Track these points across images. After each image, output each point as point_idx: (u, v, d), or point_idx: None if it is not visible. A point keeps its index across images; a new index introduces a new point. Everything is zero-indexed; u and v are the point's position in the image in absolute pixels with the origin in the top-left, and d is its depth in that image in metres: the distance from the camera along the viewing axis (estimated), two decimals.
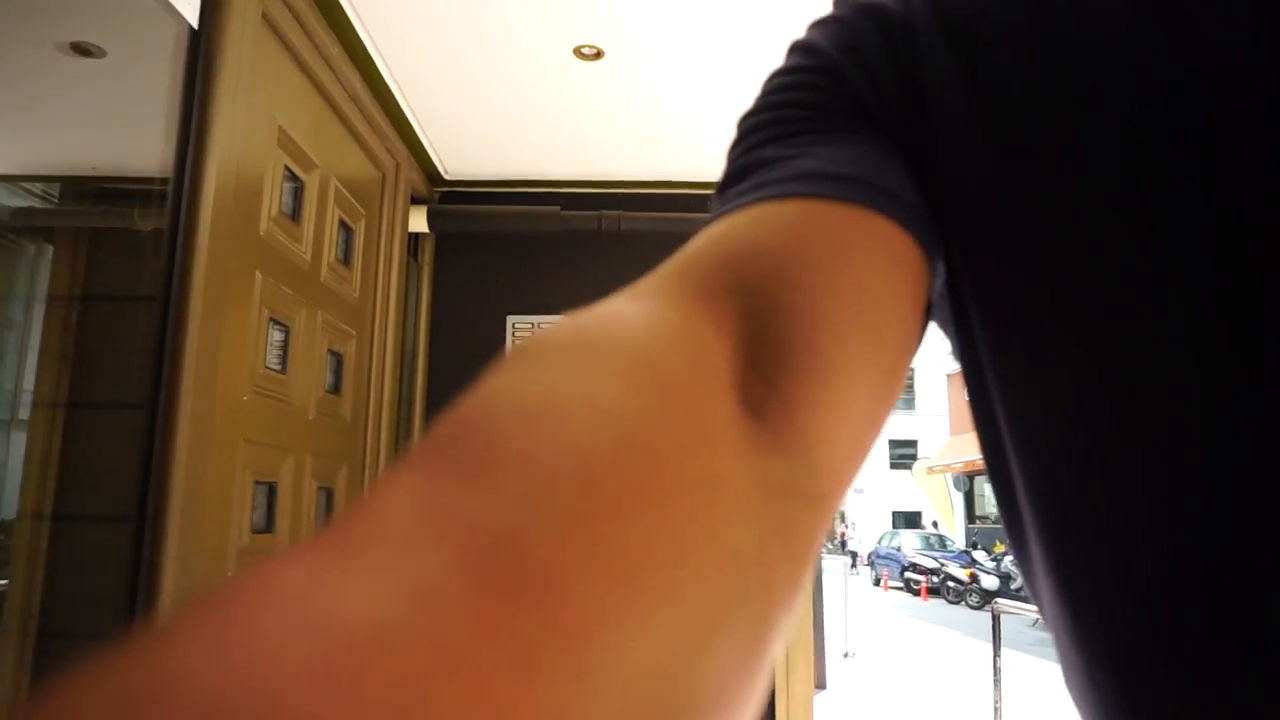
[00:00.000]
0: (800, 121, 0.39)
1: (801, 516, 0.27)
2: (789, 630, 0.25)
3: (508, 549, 0.15)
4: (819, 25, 0.44)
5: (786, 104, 0.40)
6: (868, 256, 0.34)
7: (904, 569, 18.22)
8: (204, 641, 0.11)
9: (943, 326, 0.44)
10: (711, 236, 0.35)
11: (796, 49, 0.43)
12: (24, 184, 1.23)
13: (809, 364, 0.30)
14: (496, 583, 0.14)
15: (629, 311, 0.28)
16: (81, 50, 1.27)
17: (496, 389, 0.22)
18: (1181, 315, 0.33)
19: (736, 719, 0.20)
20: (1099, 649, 0.36)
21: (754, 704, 0.21)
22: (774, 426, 0.28)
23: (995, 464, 0.42)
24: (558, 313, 2.94)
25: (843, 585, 9.33)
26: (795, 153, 0.37)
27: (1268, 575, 0.31)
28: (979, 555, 16.37)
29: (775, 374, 0.29)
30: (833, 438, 0.30)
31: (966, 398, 0.43)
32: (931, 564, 16.65)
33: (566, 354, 0.24)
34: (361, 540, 0.15)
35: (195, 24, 1.47)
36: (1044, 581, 0.39)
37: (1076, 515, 0.37)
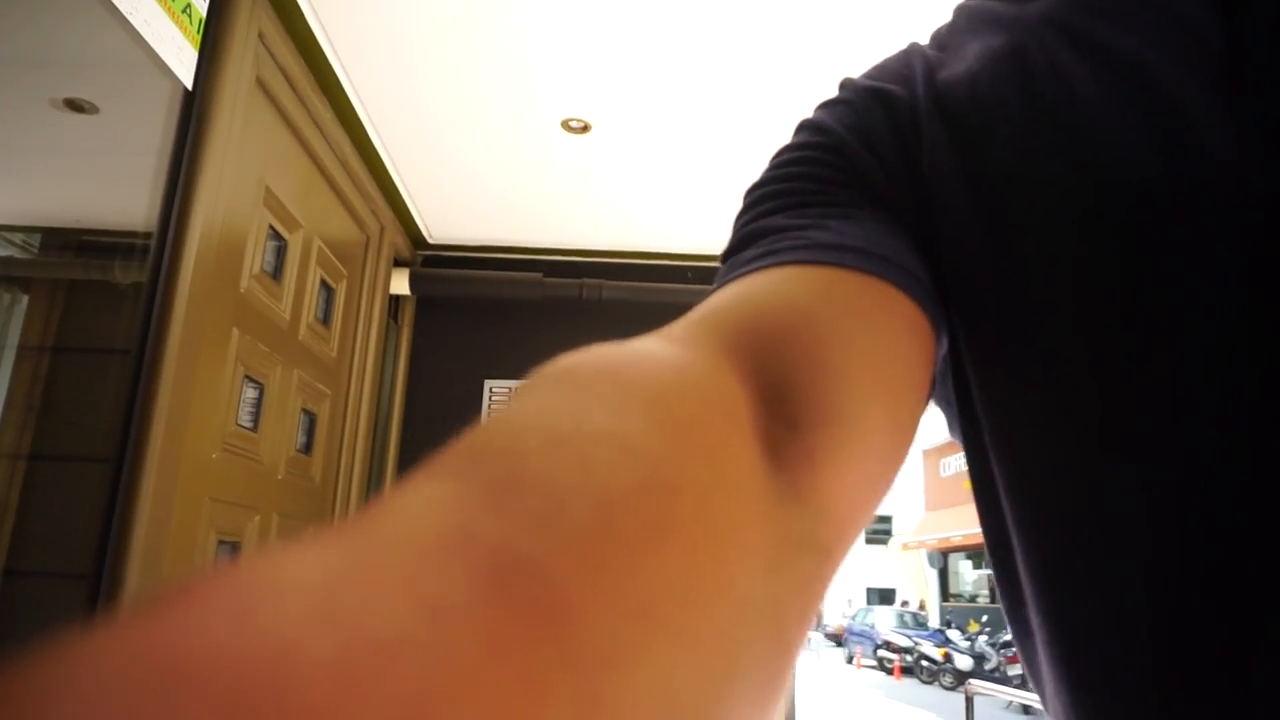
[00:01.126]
0: (809, 194, 0.40)
1: (812, 568, 0.27)
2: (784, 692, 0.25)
3: (527, 575, 0.15)
4: (828, 106, 0.45)
5: (796, 177, 0.42)
6: (885, 323, 0.35)
7: (877, 647, 17.94)
8: (230, 622, 0.11)
9: (939, 401, 0.46)
10: (733, 294, 0.36)
11: (805, 127, 0.45)
12: (4, 234, 1.23)
13: (829, 418, 0.30)
14: (514, 607, 0.14)
15: (658, 351, 0.29)
16: (75, 106, 1.29)
17: (525, 412, 0.22)
18: (1186, 401, 0.34)
19: None
20: None
21: None
22: (793, 476, 0.28)
23: (996, 539, 0.42)
24: None
25: (815, 663, 9.16)
26: (807, 223, 0.38)
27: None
28: (953, 634, 16.17)
29: (796, 425, 0.30)
30: (847, 492, 0.31)
31: (968, 471, 0.44)
32: (905, 642, 16.42)
33: (596, 385, 0.24)
34: (382, 546, 0.15)
35: (189, 85, 1.50)
36: (1046, 663, 0.39)
37: (1081, 593, 0.37)
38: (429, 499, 0.17)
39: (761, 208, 0.41)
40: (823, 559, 0.28)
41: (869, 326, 0.34)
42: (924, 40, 0.48)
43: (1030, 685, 0.43)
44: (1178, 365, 0.34)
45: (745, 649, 0.20)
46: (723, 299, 0.35)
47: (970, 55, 0.43)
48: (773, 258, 0.36)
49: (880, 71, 0.45)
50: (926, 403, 0.39)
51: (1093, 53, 0.38)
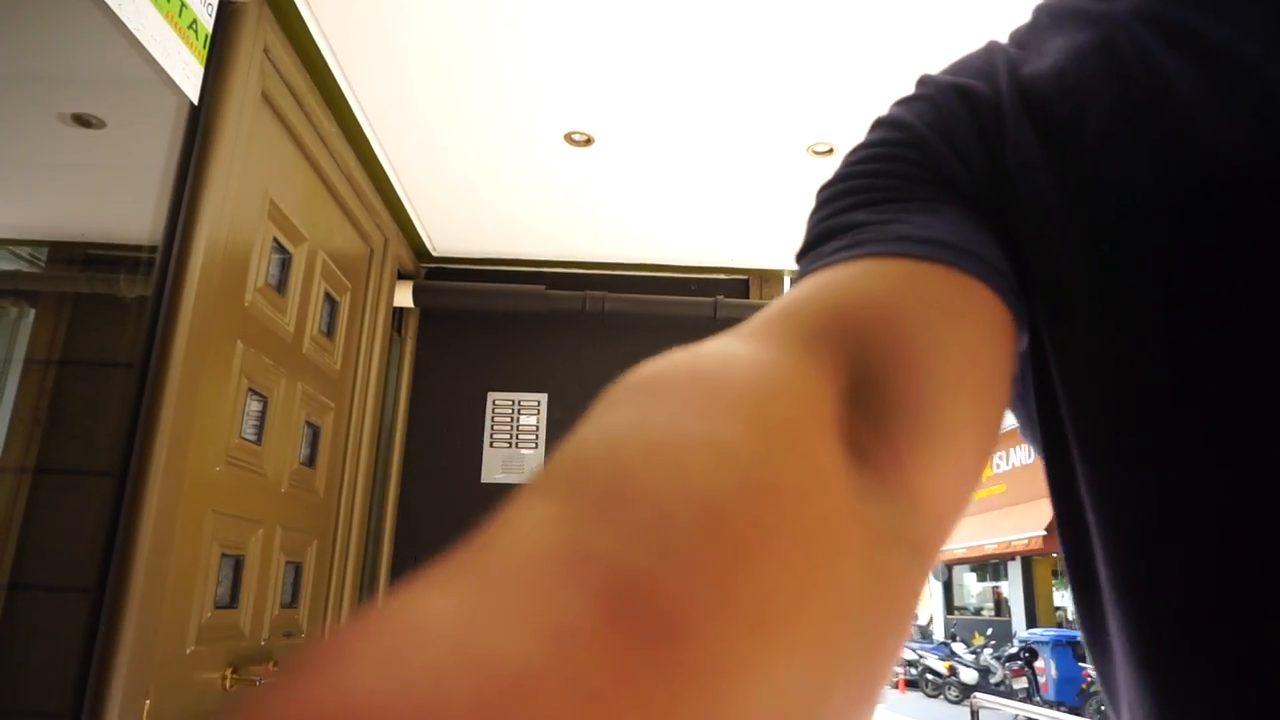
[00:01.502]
0: (890, 190, 0.40)
1: (906, 564, 0.27)
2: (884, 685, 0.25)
3: (641, 592, 0.16)
4: (906, 102, 0.45)
5: (875, 174, 0.41)
6: (972, 318, 0.35)
7: None
8: (379, 671, 0.13)
9: (1013, 401, 0.44)
10: (815, 286, 0.35)
11: (882, 124, 0.44)
12: (12, 247, 1.23)
13: (916, 414, 0.30)
14: (631, 626, 0.15)
15: (740, 353, 0.29)
16: (82, 121, 1.30)
17: (619, 423, 0.22)
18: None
19: None
20: None
21: None
22: (880, 473, 0.28)
23: (1073, 538, 0.41)
24: (539, 390, 2.94)
25: None
26: (888, 218, 0.38)
27: None
28: (958, 647, 16.08)
29: (883, 422, 0.30)
30: (936, 488, 0.30)
31: (1047, 479, 0.43)
32: (910, 655, 16.33)
33: (684, 392, 0.25)
34: (501, 574, 0.16)
35: (195, 100, 1.51)
36: (1124, 669, 0.38)
37: (1164, 589, 0.35)
38: (539, 520, 0.18)
39: (840, 203, 0.41)
40: (915, 556, 0.28)
41: (953, 321, 0.34)
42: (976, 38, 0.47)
43: (1108, 708, 0.41)
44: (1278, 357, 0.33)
45: (848, 650, 0.21)
46: (803, 291, 0.35)
47: (1054, 51, 0.42)
48: (854, 250, 0.36)
49: (961, 67, 0.45)
50: (1009, 397, 0.38)
51: (1188, 45, 0.37)
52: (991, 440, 0.34)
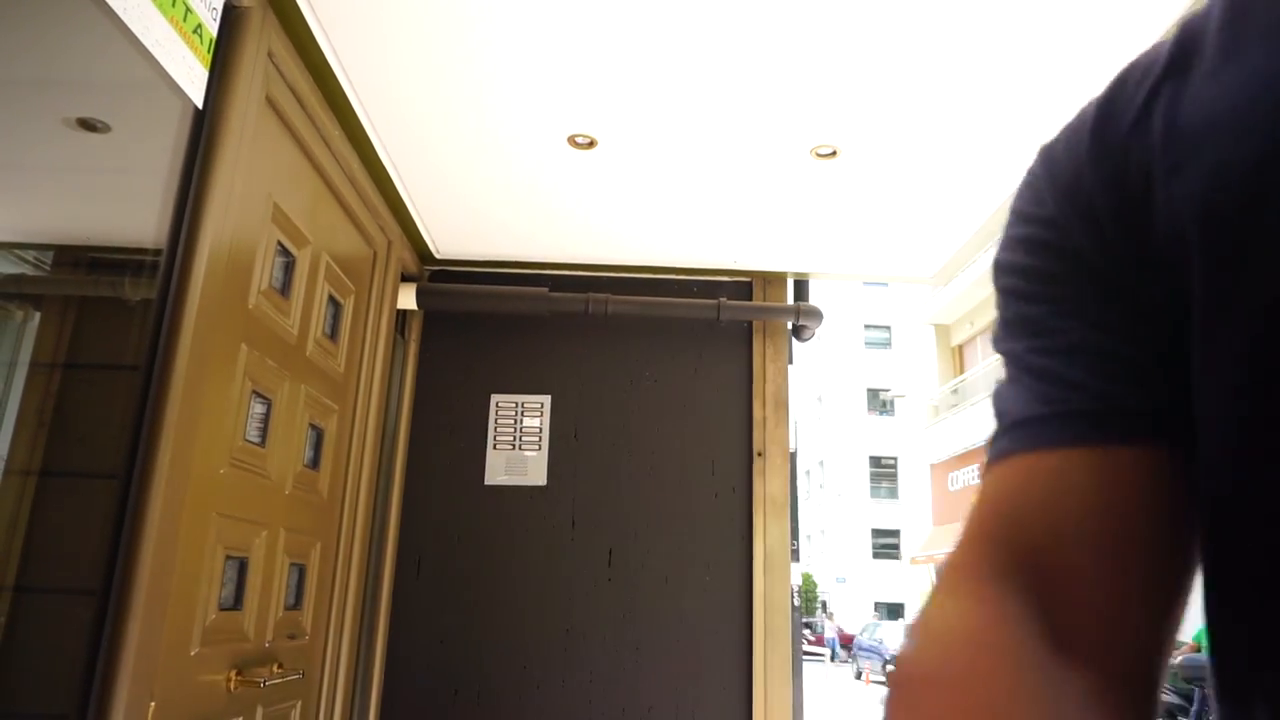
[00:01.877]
0: (1039, 301, 0.45)
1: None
2: None
3: None
4: (1028, 180, 0.47)
5: (1022, 270, 0.46)
6: (1134, 496, 0.40)
7: (886, 662, 17.79)
8: None
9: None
10: (991, 499, 0.43)
11: (1016, 217, 0.47)
12: (17, 251, 1.24)
13: (1100, 627, 0.38)
14: None
15: (971, 631, 0.38)
16: (87, 125, 1.30)
17: None
18: None
19: None
20: None
21: None
22: (1085, 680, 0.37)
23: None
24: (543, 392, 2.94)
25: (825, 678, 9.08)
26: (1043, 364, 0.43)
27: None
28: None
29: (1073, 642, 0.38)
30: (1136, 659, 0.39)
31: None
32: None
33: (960, 694, 0.36)
34: None
35: (200, 104, 1.52)
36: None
37: None
38: None
39: (1003, 308, 0.47)
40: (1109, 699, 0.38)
41: (1119, 509, 0.40)
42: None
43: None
44: None
45: None
46: (985, 503, 0.43)
47: (1229, 80, 0.38)
48: (1015, 447, 0.43)
49: (1096, 115, 0.44)
50: (1187, 528, 0.41)
51: None
52: (1177, 589, 0.40)
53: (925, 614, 0.40)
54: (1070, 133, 0.46)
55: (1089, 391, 0.41)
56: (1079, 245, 0.43)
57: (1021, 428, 0.43)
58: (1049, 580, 0.39)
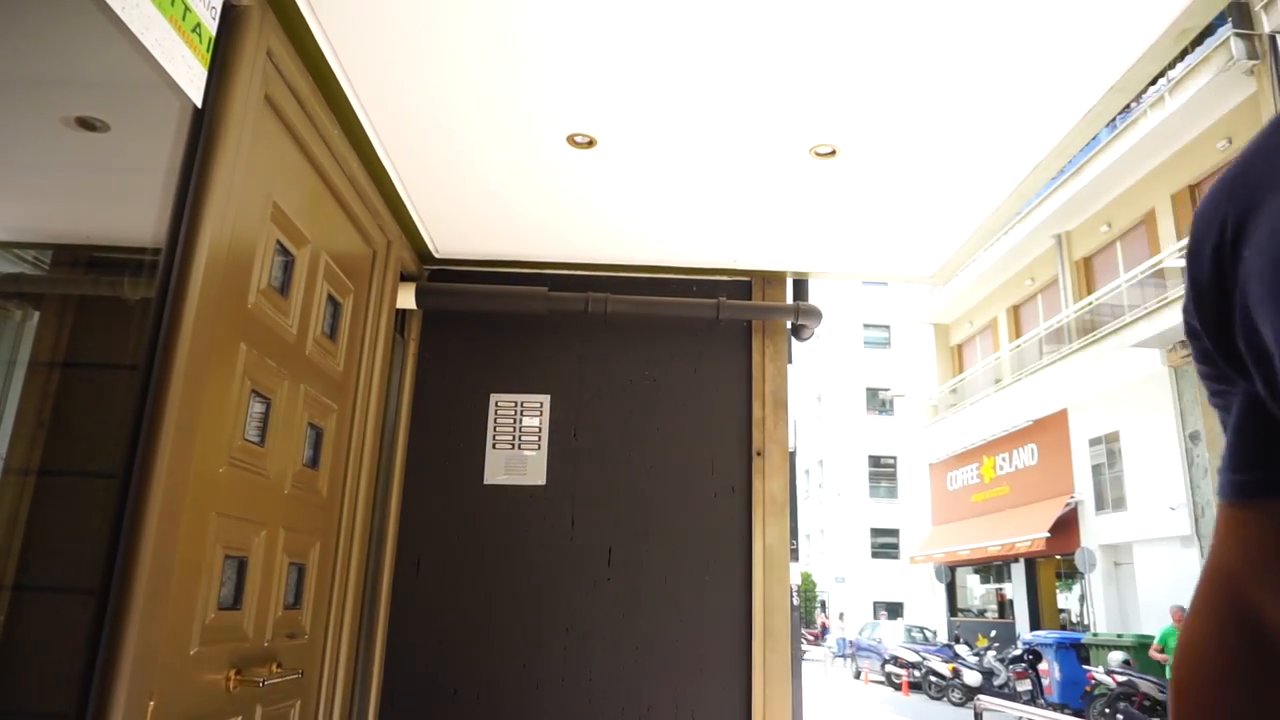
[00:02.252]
0: (1206, 378, 0.53)
1: None
2: None
3: None
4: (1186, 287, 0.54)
5: (1192, 341, 0.53)
6: None
7: (885, 661, 17.81)
8: None
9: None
10: (1217, 550, 0.52)
11: (1189, 256, 0.53)
12: (16, 250, 1.24)
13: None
14: None
15: (1213, 645, 0.51)
16: (86, 125, 1.30)
17: None
18: None
19: None
20: None
21: None
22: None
23: None
24: (542, 392, 2.94)
25: (824, 678, 9.08)
26: (1230, 440, 0.51)
27: None
28: (962, 649, 16.04)
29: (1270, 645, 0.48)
30: None
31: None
32: (913, 657, 16.30)
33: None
34: None
35: (199, 103, 1.52)
36: None
37: None
38: None
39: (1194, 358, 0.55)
40: None
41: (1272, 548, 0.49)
42: None
43: None
44: None
45: None
46: (1213, 556, 0.53)
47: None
48: (1224, 490, 0.52)
49: (1195, 232, 0.53)
50: None
51: None
52: None
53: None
54: None
55: (1252, 453, 0.50)
56: (1207, 348, 0.53)
57: (1228, 482, 0.51)
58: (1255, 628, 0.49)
